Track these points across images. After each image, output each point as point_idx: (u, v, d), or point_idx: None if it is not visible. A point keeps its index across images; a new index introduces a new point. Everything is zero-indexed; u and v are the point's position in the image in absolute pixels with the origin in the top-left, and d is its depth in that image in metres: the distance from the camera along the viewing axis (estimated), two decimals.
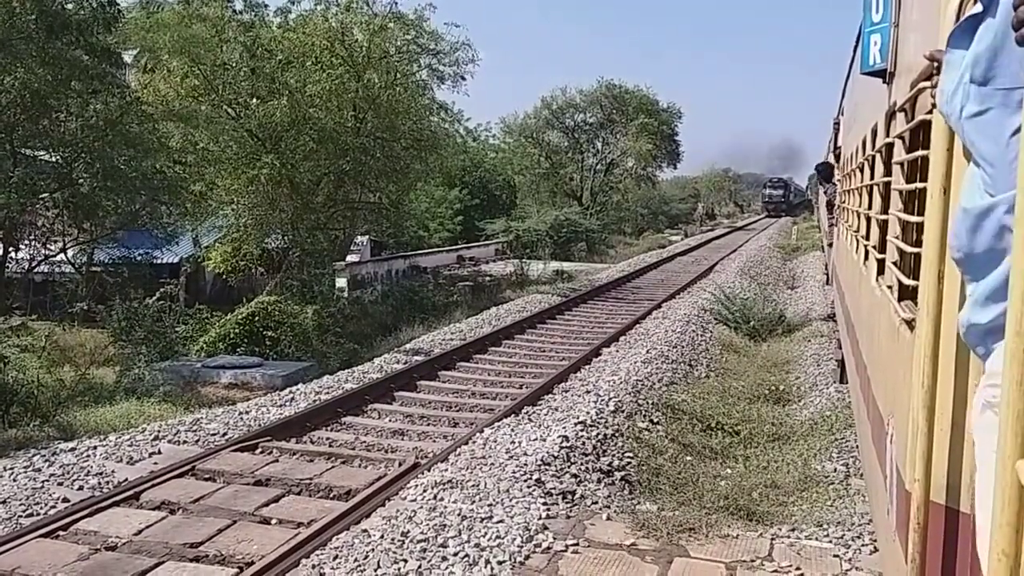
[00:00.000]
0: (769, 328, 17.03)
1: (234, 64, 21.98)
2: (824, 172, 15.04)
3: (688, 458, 9.03)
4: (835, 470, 8.39)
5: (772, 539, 6.48)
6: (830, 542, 6.43)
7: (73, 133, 18.32)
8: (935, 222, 2.22)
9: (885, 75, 3.77)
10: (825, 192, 18.34)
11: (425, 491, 7.06)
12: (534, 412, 9.99)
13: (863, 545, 6.24)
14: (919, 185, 2.59)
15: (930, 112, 2.38)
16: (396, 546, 6.01)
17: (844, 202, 9.25)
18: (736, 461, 9.09)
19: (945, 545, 2.21)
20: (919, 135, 2.75)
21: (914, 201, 2.77)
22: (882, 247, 3.60)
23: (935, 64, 2.16)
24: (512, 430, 8.96)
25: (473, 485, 7.17)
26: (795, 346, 15.45)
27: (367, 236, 28.70)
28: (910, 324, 2.58)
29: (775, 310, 18.17)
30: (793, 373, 13.31)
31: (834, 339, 12.68)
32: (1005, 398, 1.27)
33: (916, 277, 2.49)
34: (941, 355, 2.24)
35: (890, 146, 3.41)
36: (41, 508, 6.84)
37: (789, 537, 6.52)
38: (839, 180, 11.26)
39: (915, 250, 2.59)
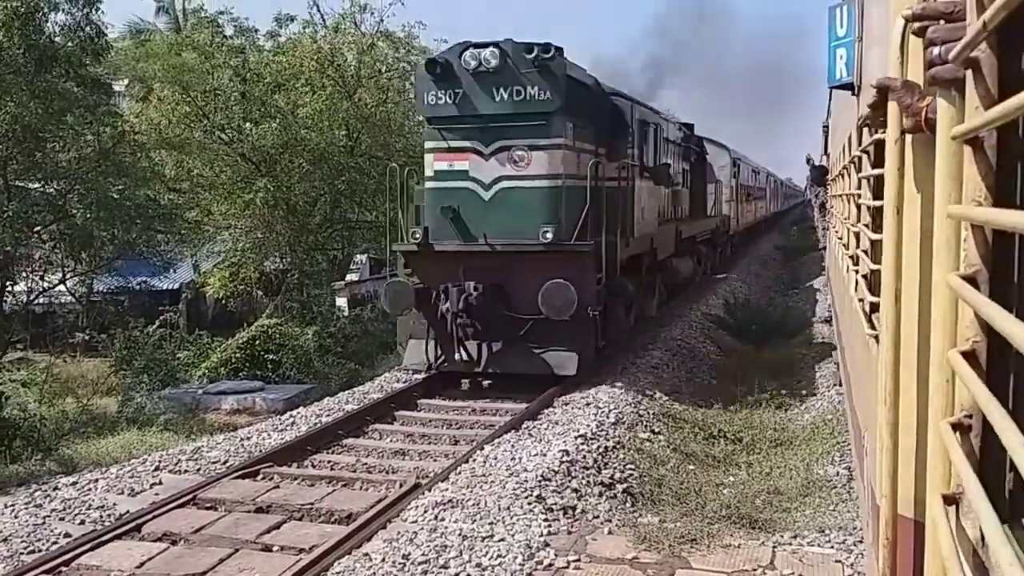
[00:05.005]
0: (770, 332, 17.02)
1: (225, 89, 22.10)
2: (816, 175, 15.16)
3: (690, 467, 9.02)
4: (837, 474, 8.38)
5: (774, 547, 6.47)
6: (832, 548, 6.43)
7: (67, 165, 18.41)
8: (891, 241, 2.24)
9: (853, 88, 3.80)
10: (818, 195, 18.41)
11: (426, 512, 7.06)
12: (534, 427, 9.97)
13: (865, 550, 6.24)
14: (880, 203, 2.61)
15: (882, 131, 2.41)
16: (397, 569, 6.01)
17: (832, 207, 9.30)
18: (739, 468, 9.08)
19: (915, 560, 2.22)
20: (881, 152, 2.77)
21: (878, 218, 2.79)
22: (856, 259, 3.62)
23: (885, 90, 2.18)
24: (512, 446, 8.94)
25: (474, 504, 7.17)
26: (796, 349, 15.46)
27: (366, 254, 28.75)
28: (877, 339, 2.60)
29: (775, 313, 18.17)
30: (794, 377, 13.32)
31: (834, 341, 12.70)
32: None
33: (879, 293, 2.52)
34: (902, 371, 2.26)
35: (859, 159, 3.44)
36: (43, 544, 6.83)
37: (791, 544, 6.52)
38: (829, 183, 11.32)
39: (877, 267, 2.61)
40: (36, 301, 20.15)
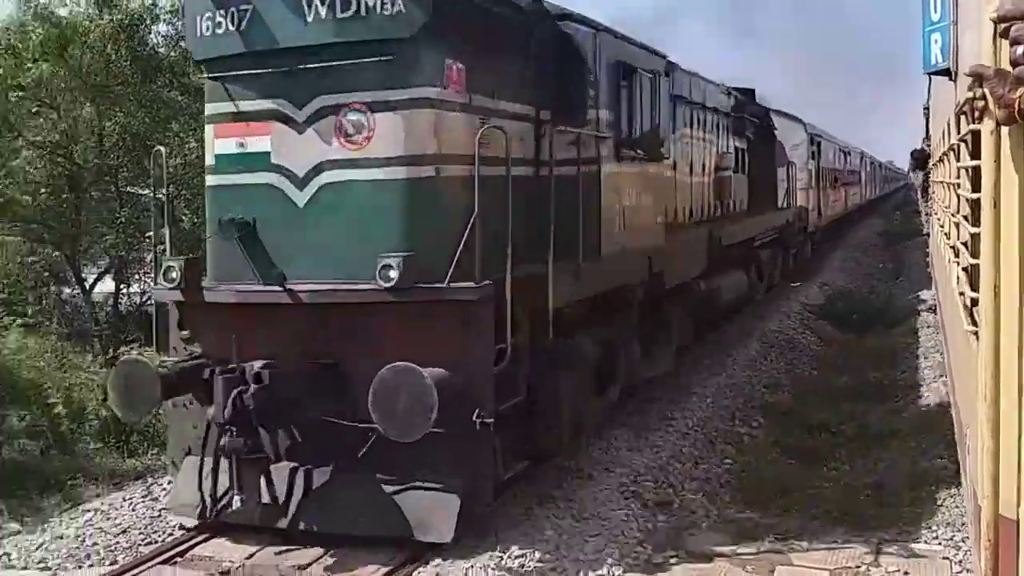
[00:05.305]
0: (872, 320, 16.55)
1: None
2: (919, 159, 14.68)
3: (790, 461, 8.87)
4: (945, 468, 8.11)
5: (879, 544, 6.33)
6: (939, 544, 6.26)
7: (173, 171, 19.10)
8: (989, 234, 2.17)
9: (950, 74, 3.67)
10: (920, 179, 17.80)
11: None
12: (630, 420, 9.92)
13: (971, 548, 6.03)
14: (977, 195, 2.53)
15: (979, 122, 2.33)
16: (494, 562, 6.07)
17: (933, 193, 9.00)
18: (841, 462, 8.88)
19: (1019, 561, 2.15)
20: (978, 142, 2.67)
21: (976, 210, 2.70)
22: (956, 250, 3.51)
23: (979, 78, 2.11)
24: (607, 441, 8.92)
25: (568, 499, 7.18)
26: (899, 339, 14.99)
27: None
28: (977, 335, 2.53)
29: (878, 301, 17.66)
30: (898, 367, 12.92)
31: (939, 331, 12.28)
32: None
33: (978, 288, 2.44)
34: (1003, 369, 2.19)
35: (957, 148, 3.33)
36: (159, 536, 7.14)
37: (896, 541, 6.36)
38: (931, 169, 10.94)
39: (976, 261, 2.53)
40: (149, 302, 20.96)
